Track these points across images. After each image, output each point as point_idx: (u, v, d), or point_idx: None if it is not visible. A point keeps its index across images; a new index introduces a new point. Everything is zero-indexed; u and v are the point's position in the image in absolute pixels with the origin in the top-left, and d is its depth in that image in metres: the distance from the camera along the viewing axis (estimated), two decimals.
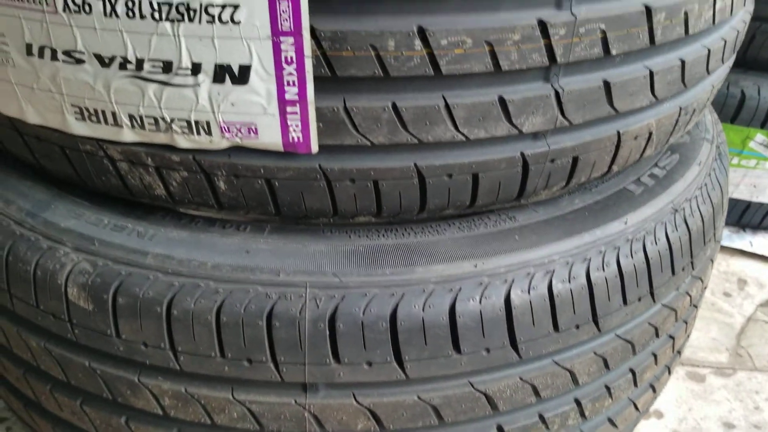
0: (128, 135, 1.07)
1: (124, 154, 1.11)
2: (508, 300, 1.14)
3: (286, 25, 0.94)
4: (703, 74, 1.31)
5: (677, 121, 1.33)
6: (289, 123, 1.02)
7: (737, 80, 2.49)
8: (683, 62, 1.21)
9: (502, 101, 1.06)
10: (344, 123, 1.03)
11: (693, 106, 1.36)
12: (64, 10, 0.98)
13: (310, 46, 0.95)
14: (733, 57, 1.54)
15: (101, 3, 0.96)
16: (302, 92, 0.99)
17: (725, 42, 1.33)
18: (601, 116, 1.16)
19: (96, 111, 1.06)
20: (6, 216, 1.23)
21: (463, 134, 1.07)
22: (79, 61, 1.02)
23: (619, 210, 1.31)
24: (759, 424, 1.92)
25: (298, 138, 1.04)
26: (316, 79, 0.98)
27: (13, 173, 1.34)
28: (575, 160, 1.20)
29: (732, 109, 2.49)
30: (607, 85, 1.12)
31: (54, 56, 1.03)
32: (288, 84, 0.99)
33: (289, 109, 1.01)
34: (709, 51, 1.27)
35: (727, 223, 2.78)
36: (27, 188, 1.29)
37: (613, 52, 1.08)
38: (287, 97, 1.00)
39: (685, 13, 1.14)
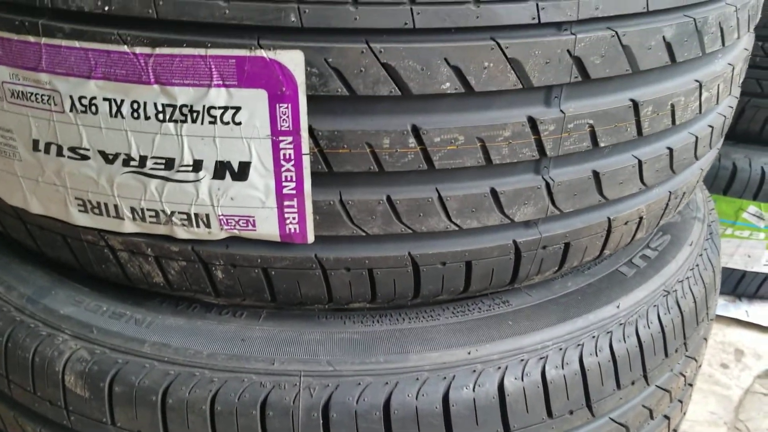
0: (129, 226, 1.10)
1: (124, 244, 1.13)
2: (501, 387, 1.14)
3: (286, 125, 0.97)
4: (691, 160, 1.34)
5: (667, 205, 1.36)
6: (286, 216, 1.05)
7: (728, 153, 2.54)
8: (671, 150, 1.25)
9: (494, 193, 1.09)
10: (340, 215, 1.05)
11: (683, 190, 1.39)
12: (71, 110, 1.02)
13: (308, 145, 0.99)
14: (722, 139, 1.58)
15: (107, 104, 0.99)
16: (300, 187, 1.02)
17: (712, 128, 1.36)
18: (591, 204, 1.19)
19: (98, 203, 1.09)
20: (7, 302, 1.25)
21: (456, 224, 1.09)
22: (84, 158, 1.05)
23: (612, 294, 1.33)
24: None
25: (295, 229, 1.06)
26: (314, 174, 1.02)
27: (15, 258, 1.36)
28: (567, 246, 1.22)
29: (724, 181, 2.54)
30: (596, 175, 1.16)
31: (60, 152, 1.06)
32: (286, 179, 1.02)
33: (286, 202, 1.04)
34: (696, 138, 1.31)
35: (723, 293, 2.79)
36: (28, 273, 1.31)
37: (602, 144, 1.12)
38: (285, 191, 1.03)
39: (672, 106, 1.18)
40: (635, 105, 1.12)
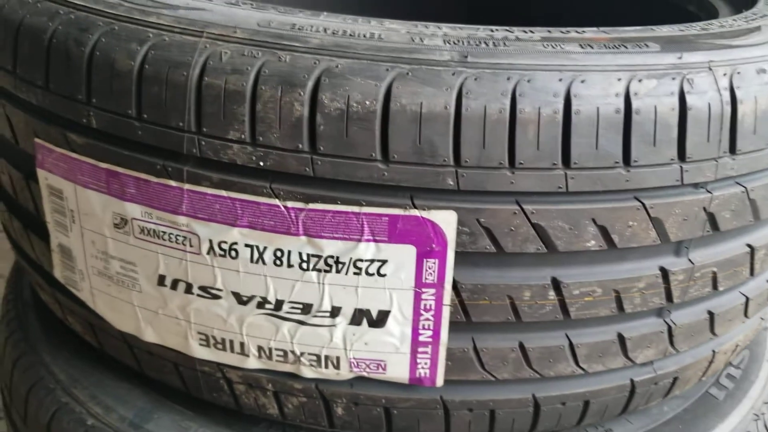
0: (253, 363, 1.09)
1: (243, 378, 1.12)
2: None
3: (431, 278, 0.98)
4: None
5: (757, 329, 1.38)
6: (418, 361, 1.05)
7: None
8: None
9: (621, 338, 1.10)
10: (472, 361, 1.05)
11: None
12: (208, 253, 1.01)
13: (450, 297, 0.99)
14: None
15: (249, 250, 0.99)
16: (436, 335, 1.02)
17: None
18: (703, 342, 1.20)
19: (223, 340, 1.08)
20: (107, 425, 1.22)
21: (582, 369, 1.10)
22: (215, 297, 1.04)
23: (708, 421, 1.33)
24: None
25: (426, 374, 1.06)
26: (451, 323, 1.02)
27: (108, 373, 1.33)
28: (675, 379, 1.23)
29: None
30: (711, 315, 1.17)
31: (189, 290, 1.06)
32: (423, 328, 1.02)
33: (420, 349, 1.04)
34: None
35: None
36: (125, 392, 1.28)
37: (720, 288, 1.13)
38: (421, 339, 1.03)
39: None
40: (752, 249, 1.14)
